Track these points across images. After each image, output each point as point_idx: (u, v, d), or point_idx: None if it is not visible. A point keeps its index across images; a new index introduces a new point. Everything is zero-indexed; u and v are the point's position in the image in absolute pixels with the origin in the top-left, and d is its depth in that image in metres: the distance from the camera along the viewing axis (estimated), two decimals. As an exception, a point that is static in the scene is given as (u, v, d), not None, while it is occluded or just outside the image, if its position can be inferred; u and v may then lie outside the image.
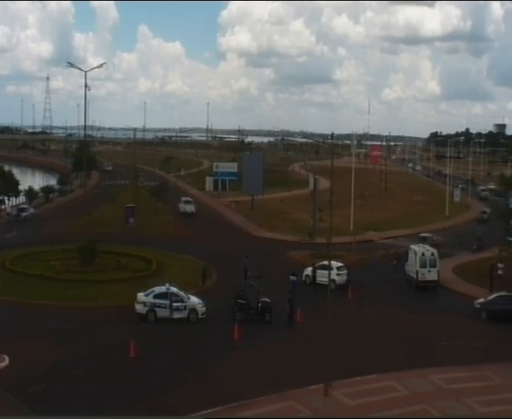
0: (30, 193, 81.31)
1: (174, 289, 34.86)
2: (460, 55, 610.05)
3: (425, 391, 25.33)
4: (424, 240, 55.24)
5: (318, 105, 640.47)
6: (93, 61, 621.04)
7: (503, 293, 37.29)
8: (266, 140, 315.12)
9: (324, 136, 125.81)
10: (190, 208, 75.21)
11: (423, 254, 43.60)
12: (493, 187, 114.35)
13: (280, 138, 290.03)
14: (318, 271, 42.02)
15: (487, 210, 76.95)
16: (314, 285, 41.45)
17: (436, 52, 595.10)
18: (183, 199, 78.41)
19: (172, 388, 25.35)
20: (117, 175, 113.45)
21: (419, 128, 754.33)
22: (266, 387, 25.01)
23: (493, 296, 37.45)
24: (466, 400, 24.48)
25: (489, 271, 42.62)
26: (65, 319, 33.57)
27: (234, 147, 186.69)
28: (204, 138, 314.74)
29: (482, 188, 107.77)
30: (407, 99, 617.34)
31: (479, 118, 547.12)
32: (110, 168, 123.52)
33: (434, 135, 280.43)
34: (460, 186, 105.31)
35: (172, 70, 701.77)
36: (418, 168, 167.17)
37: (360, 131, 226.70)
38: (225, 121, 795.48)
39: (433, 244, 51.45)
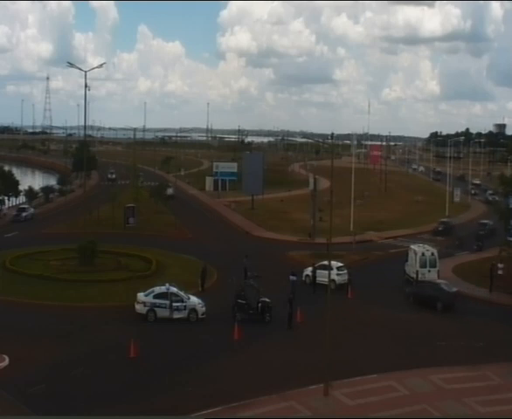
0: (30, 193, 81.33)
1: (174, 289, 34.86)
2: (460, 55, 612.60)
3: (425, 391, 25.35)
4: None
5: (318, 105, 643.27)
6: (93, 61, 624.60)
7: (431, 280, 40.33)
8: (266, 140, 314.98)
9: (324, 136, 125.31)
10: (170, 191, 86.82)
11: (423, 254, 43.62)
12: (478, 182, 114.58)
13: (280, 138, 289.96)
14: (318, 271, 41.99)
15: (449, 220, 70.13)
16: (314, 285, 41.42)
17: (436, 52, 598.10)
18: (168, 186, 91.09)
19: (172, 388, 25.36)
20: (117, 175, 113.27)
21: (419, 128, 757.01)
22: (266, 387, 25.03)
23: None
24: (466, 400, 24.50)
25: (489, 271, 42.60)
26: (65, 319, 33.58)
27: (234, 147, 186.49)
28: (204, 138, 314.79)
29: (490, 192, 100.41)
30: (407, 99, 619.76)
31: (479, 118, 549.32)
32: (114, 177, 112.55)
33: (434, 135, 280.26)
34: (473, 191, 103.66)
35: (172, 70, 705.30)
36: (421, 169, 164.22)
37: (360, 131, 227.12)
38: (225, 121, 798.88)
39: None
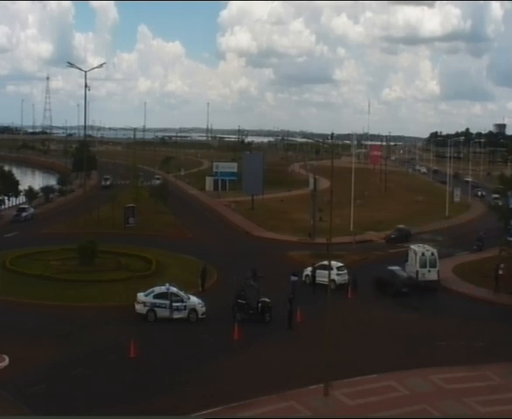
0: (30, 193, 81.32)
1: (174, 289, 34.86)
2: (460, 55, 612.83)
3: (425, 391, 25.34)
4: None
5: (318, 105, 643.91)
6: (93, 61, 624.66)
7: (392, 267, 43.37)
8: (266, 140, 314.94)
9: (324, 136, 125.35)
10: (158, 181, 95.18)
11: (423, 254, 43.62)
12: (469, 179, 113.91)
13: (280, 138, 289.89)
14: (318, 271, 41.98)
15: (405, 227, 64.26)
16: (314, 285, 41.40)
17: (436, 52, 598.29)
18: (155, 176, 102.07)
19: (172, 388, 25.36)
20: (113, 181, 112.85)
21: (419, 128, 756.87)
22: (266, 387, 25.02)
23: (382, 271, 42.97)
24: (466, 400, 24.49)
25: (495, 272, 42.41)
26: (65, 319, 33.58)
27: (234, 147, 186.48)
28: (204, 138, 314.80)
29: (495, 196, 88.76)
30: (407, 99, 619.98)
31: (479, 118, 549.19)
32: (108, 183, 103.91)
33: (434, 135, 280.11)
34: (479, 193, 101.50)
35: (172, 70, 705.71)
36: (423, 170, 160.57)
37: (360, 131, 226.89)
38: (225, 121, 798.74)
39: None
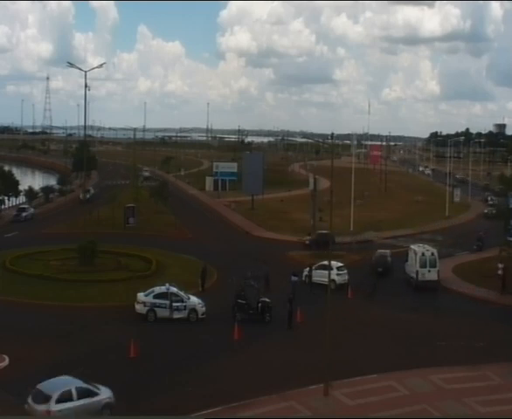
0: (30, 193, 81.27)
1: (174, 289, 34.86)
2: (459, 55, 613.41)
3: (425, 391, 25.35)
4: None
5: (318, 105, 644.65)
6: (93, 61, 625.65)
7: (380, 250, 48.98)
8: (266, 140, 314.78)
9: (324, 136, 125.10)
10: (146, 174, 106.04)
11: (423, 254, 43.62)
12: (460, 176, 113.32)
13: (280, 138, 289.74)
14: (317, 271, 41.95)
15: (324, 233, 54.20)
16: (311, 285, 41.39)
17: (436, 52, 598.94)
18: (144, 169, 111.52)
19: (172, 388, 25.35)
20: (117, 175, 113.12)
21: (419, 128, 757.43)
22: (266, 387, 25.02)
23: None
24: (466, 400, 24.50)
25: (503, 272, 42.32)
26: (65, 319, 33.57)
27: (234, 147, 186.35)
28: (204, 138, 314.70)
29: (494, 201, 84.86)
30: (407, 99, 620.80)
31: (479, 118, 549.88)
32: (88, 197, 78.36)
33: (434, 135, 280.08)
34: (489, 198, 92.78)
35: (172, 70, 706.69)
36: (427, 171, 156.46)
37: (360, 131, 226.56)
38: (225, 121, 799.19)
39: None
